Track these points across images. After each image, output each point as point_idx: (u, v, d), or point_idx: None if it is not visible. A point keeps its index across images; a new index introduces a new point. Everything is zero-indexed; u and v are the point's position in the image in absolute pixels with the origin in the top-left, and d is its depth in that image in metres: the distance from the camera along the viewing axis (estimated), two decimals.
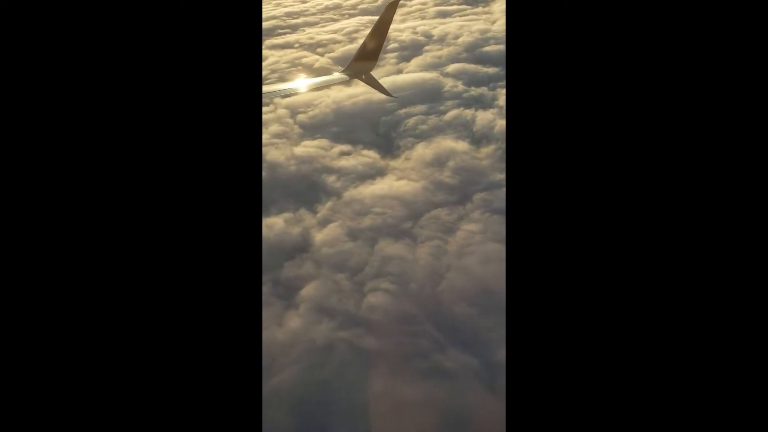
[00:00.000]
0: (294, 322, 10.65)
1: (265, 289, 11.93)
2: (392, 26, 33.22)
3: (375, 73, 25.28)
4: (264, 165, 17.31)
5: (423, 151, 16.57)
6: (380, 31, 9.20)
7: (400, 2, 35.15)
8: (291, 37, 31.82)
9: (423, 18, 31.48)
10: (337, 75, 9.76)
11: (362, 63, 9.43)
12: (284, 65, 26.63)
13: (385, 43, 10.18)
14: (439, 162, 15.66)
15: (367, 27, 31.90)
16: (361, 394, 8.82)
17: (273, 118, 20.84)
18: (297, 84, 11.46)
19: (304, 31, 33.07)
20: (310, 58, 27.53)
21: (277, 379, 9.30)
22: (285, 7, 38.97)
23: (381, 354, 9.55)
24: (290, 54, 28.25)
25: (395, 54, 26.05)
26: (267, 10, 38.14)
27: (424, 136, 17.58)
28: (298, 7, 38.59)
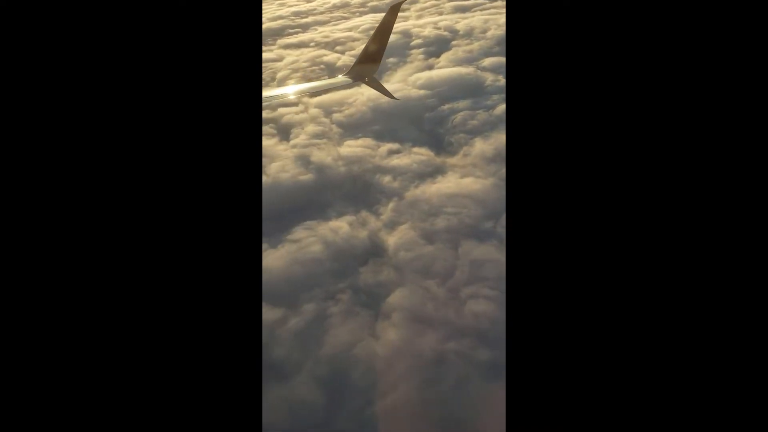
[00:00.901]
0: (390, 333, 9.80)
1: (344, 297, 11.10)
2: (412, 22, 32.66)
3: (403, 70, 24.63)
4: (311, 167, 16.47)
5: (482, 146, 15.80)
6: (383, 33, 9.04)
7: (405, 4, 35.21)
8: (304, 36, 31.03)
9: (440, 14, 30.83)
10: (340, 78, 9.71)
11: (365, 66, 9.32)
12: (305, 64, 25.87)
13: (387, 44, 9.96)
14: (502, 157, 14.87)
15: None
16: (488, 411, 7.98)
17: (306, 118, 20.00)
18: (298, 88, 11.60)
19: (316, 29, 32.34)
20: (330, 56, 26.78)
21: (391, 399, 8.44)
22: (290, 6, 38.25)
23: (501, 366, 8.68)
24: (308, 53, 27.49)
25: (421, 50, 25.30)
26: (271, 10, 37.49)
27: (477, 132, 16.80)
28: (305, 6, 37.89)
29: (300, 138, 18.36)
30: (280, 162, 16.93)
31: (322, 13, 35.97)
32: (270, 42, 30.78)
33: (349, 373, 9.21)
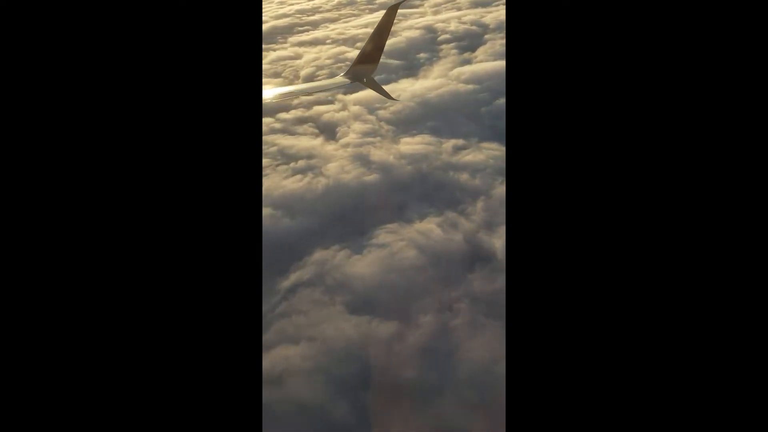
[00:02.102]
0: None
1: (462, 306, 9.94)
2: (430, 18, 31.70)
3: (440, 65, 23.53)
4: (372, 166, 15.28)
5: None
6: (381, 33, 8.96)
7: (416, 1, 34.56)
8: (317, 34, 29.84)
9: (459, 9, 29.95)
10: (338, 79, 9.62)
11: (363, 66, 9.15)
12: (328, 61, 24.75)
13: (391, 43, 10.18)
14: None
15: (399, 18, 30.44)
16: None
17: (348, 116, 18.82)
18: (297, 88, 11.52)
19: (327, 26, 31.20)
20: (352, 52, 25.66)
21: None
22: (293, 5, 37.01)
23: None
24: (328, 50, 26.31)
25: (451, 45, 24.32)
26: (272, 9, 36.24)
27: None
28: (309, 4, 36.69)
29: (350, 137, 17.15)
30: (336, 162, 15.71)
31: (329, 10, 34.82)
32: (281, 40, 29.54)
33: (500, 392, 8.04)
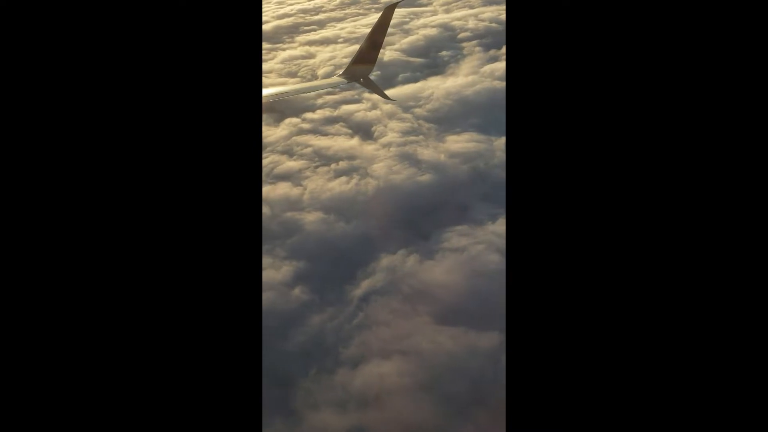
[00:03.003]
0: None
1: None
2: (442, 17, 31.05)
3: (467, 62, 22.81)
4: (423, 165, 14.46)
5: None
6: (378, 33, 8.89)
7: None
8: (325, 33, 29.01)
9: (471, 7, 29.38)
10: (335, 78, 9.78)
11: (360, 66, 9.16)
12: (345, 59, 23.89)
13: (387, 43, 9.89)
14: None
15: (410, 17, 29.79)
16: None
17: (381, 115, 18.00)
18: (293, 88, 11.45)
19: (334, 26, 30.40)
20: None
21: None
22: (293, 4, 36.13)
23: None
24: (343, 49, 25.56)
25: (473, 42, 23.68)
26: (272, 8, 35.34)
27: None
28: (310, 3, 35.85)
29: (390, 136, 16.31)
30: (381, 162, 14.85)
31: (332, 10, 34.00)
32: (288, 40, 28.67)
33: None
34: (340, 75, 9.48)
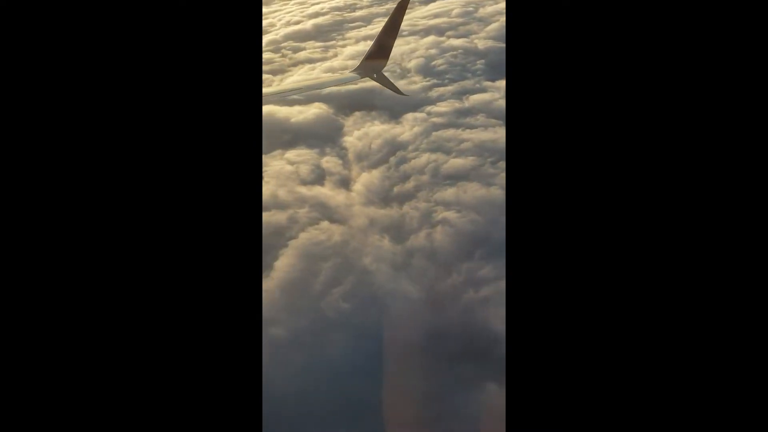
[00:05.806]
0: None
1: None
2: (463, 10, 30.08)
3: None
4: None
5: None
6: (391, 29, 9.05)
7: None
8: (378, 28, 27.65)
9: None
10: (348, 74, 9.73)
11: (373, 62, 9.26)
12: (432, 50, 23.20)
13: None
14: None
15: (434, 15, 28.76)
16: None
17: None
18: (306, 83, 11.24)
19: (382, 21, 29.04)
20: (447, 42, 24.11)
21: None
22: (317, 3, 34.51)
23: None
24: (418, 41, 24.53)
25: None
26: (299, 8, 33.68)
27: None
28: (341, 1, 34.41)
29: None
30: None
31: (369, 6, 32.65)
32: (338, 37, 27.54)
33: None
34: (353, 71, 9.52)
